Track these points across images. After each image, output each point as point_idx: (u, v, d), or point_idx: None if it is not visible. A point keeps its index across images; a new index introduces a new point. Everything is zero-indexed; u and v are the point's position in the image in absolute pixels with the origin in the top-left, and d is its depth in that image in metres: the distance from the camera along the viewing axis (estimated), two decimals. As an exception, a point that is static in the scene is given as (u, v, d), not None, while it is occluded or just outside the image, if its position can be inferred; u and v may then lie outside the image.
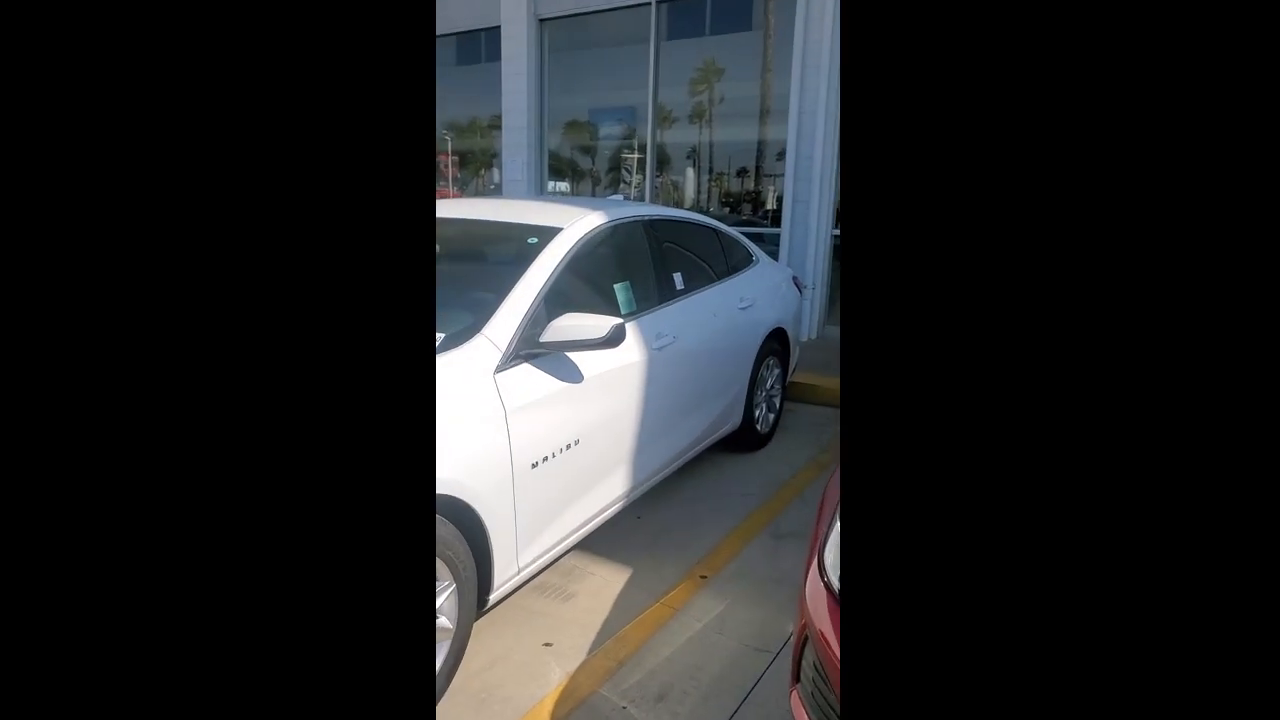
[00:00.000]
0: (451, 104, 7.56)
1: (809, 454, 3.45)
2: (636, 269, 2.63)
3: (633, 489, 2.44)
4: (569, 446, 2.05)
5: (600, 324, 1.98)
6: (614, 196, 6.35)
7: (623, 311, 2.40)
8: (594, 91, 6.61)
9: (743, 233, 3.70)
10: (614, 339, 1.99)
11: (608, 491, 2.29)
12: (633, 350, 2.34)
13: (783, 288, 3.68)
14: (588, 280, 2.39)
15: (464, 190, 7.86)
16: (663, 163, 6.52)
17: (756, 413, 3.43)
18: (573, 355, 2.08)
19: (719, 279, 3.14)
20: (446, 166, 7.97)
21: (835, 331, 5.67)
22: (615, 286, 2.42)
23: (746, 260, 3.50)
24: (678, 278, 2.77)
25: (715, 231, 3.31)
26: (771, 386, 3.57)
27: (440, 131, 7.82)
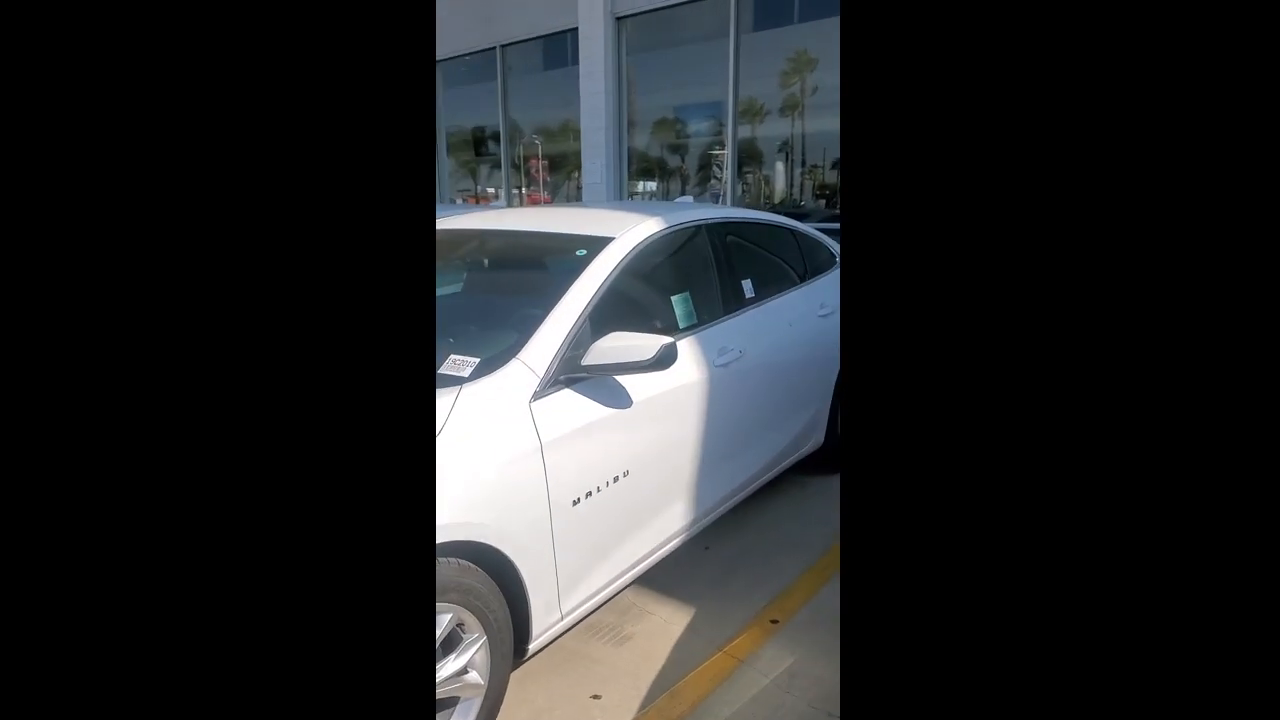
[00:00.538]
0: (540, 108, 7.55)
1: (902, 475, 3.10)
2: (698, 278, 2.39)
3: (694, 522, 2.21)
4: (617, 479, 1.85)
5: (648, 344, 1.76)
6: (683, 199, 6.11)
7: (681, 326, 2.18)
8: (673, 89, 6.40)
9: (832, 229, 3.38)
10: (664, 360, 1.76)
11: (664, 526, 2.07)
12: (691, 369, 2.11)
13: (871, 290, 3.33)
14: (642, 293, 2.18)
15: (554, 195, 7.85)
16: (752, 157, 6.26)
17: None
18: (621, 379, 1.88)
19: (796, 284, 2.85)
20: (538, 171, 8.01)
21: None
22: (673, 299, 2.19)
23: (829, 262, 3.18)
24: (747, 285, 2.51)
25: (792, 232, 3.01)
26: (859, 399, 3.23)
27: (530, 136, 7.87)
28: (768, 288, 2.65)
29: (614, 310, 2.00)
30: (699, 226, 2.45)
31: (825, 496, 2.90)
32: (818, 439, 2.92)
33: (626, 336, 1.80)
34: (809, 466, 2.98)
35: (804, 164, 6.05)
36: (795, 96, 5.87)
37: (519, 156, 8.15)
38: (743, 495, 2.47)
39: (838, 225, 5.83)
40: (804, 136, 5.99)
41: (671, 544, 2.14)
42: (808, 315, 2.80)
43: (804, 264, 2.98)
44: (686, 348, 2.12)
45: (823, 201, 6.01)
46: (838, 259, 3.24)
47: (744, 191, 6.30)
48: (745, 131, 6.14)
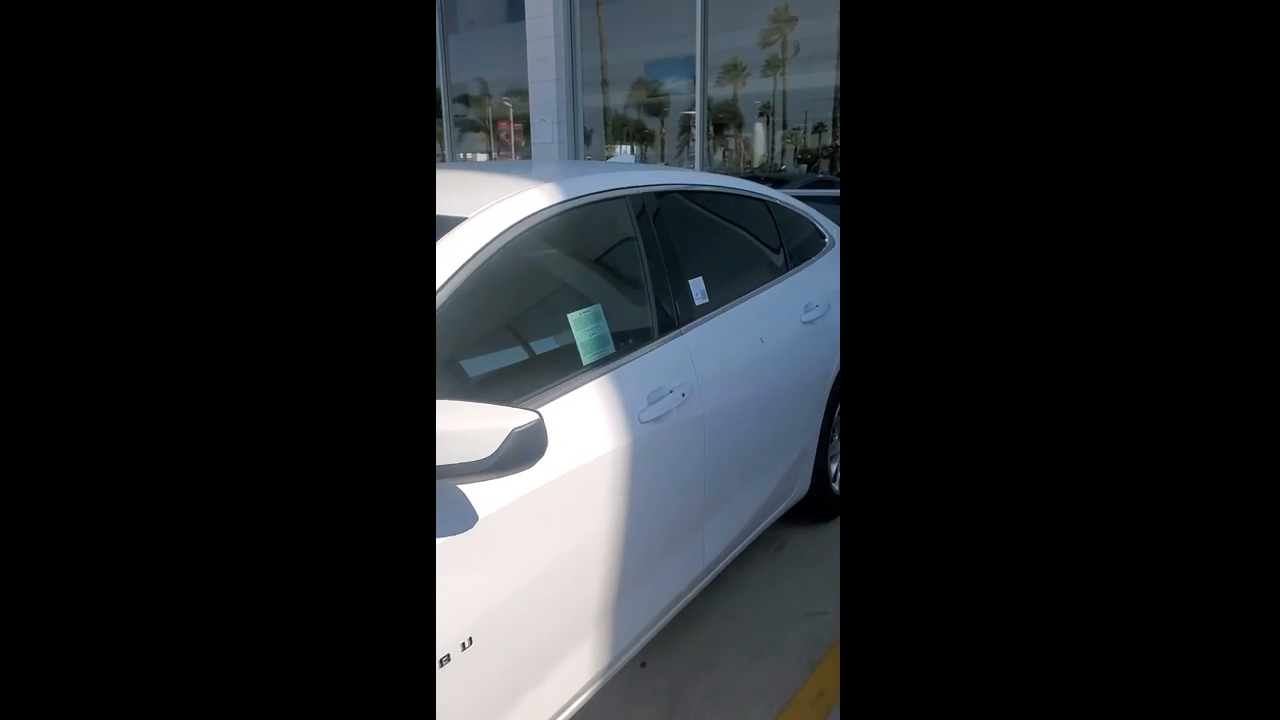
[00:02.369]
0: (510, 65, 6.57)
1: (912, 523, 2.30)
2: (619, 282, 1.54)
3: (608, 667, 1.39)
4: (449, 657, 1.02)
5: (489, 428, 0.92)
6: (622, 152, 5.20)
7: (587, 361, 1.33)
8: (645, 44, 5.46)
9: (817, 195, 2.53)
10: (520, 457, 0.93)
11: (549, 695, 1.26)
12: (594, 438, 1.28)
13: (871, 279, 2.49)
14: (516, 312, 1.33)
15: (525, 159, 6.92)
16: (731, 119, 5.49)
17: (834, 467, 2.29)
18: (454, 482, 1.04)
19: (772, 278, 2.00)
20: (508, 135, 7.09)
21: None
22: (572, 319, 1.34)
23: (816, 243, 2.32)
24: (696, 287, 1.66)
25: (766, 204, 2.15)
26: (855, 424, 2.41)
27: (501, 100, 6.94)
28: (730, 287, 1.80)
29: (463, 346, 1.15)
30: (622, 199, 1.57)
31: (810, 561, 2.10)
32: (801, 487, 2.11)
33: (455, 410, 0.95)
34: (791, 514, 2.17)
35: (785, 126, 5.36)
36: (777, 55, 5.07)
37: (488, 119, 7.22)
38: (698, 589, 1.66)
39: (824, 192, 5.08)
40: (785, 96, 5.19)
41: (578, 700, 1.33)
42: (788, 322, 1.95)
43: (783, 248, 2.13)
44: (588, 404, 1.28)
45: (804, 166, 5.34)
46: (828, 239, 2.39)
47: (724, 157, 5.57)
48: (725, 92, 5.31)
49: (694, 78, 5.13)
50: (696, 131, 5.30)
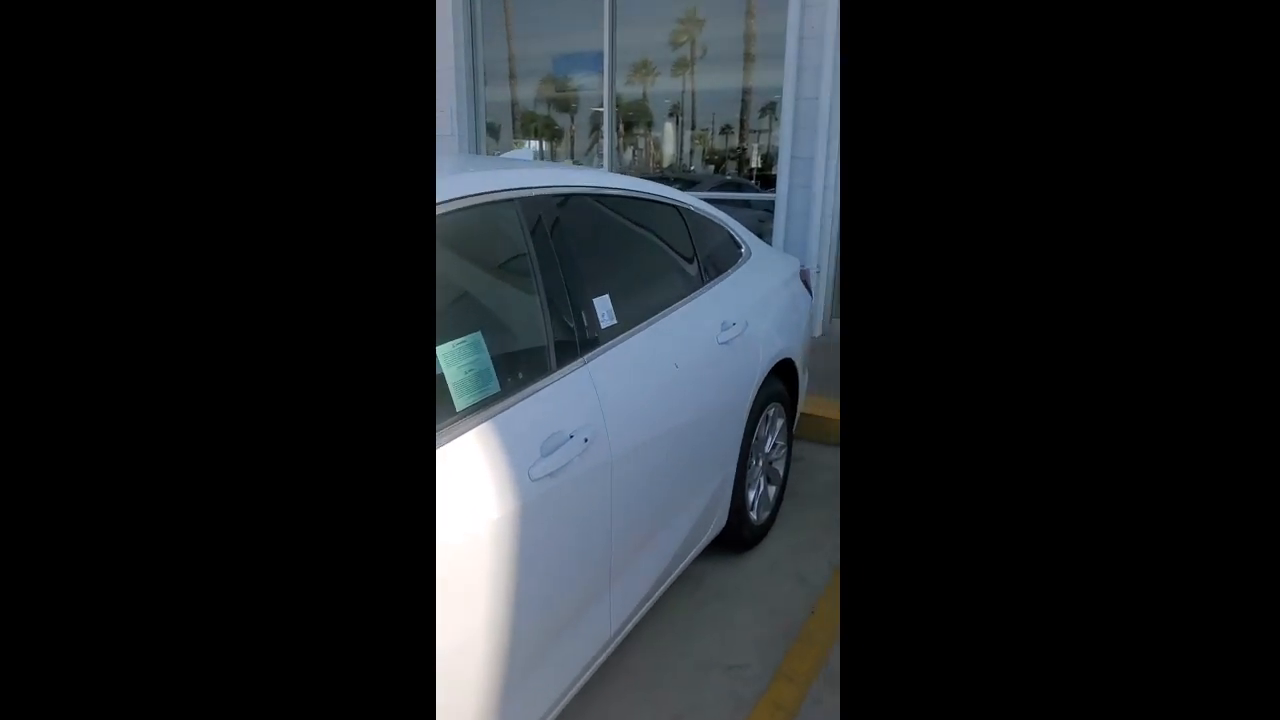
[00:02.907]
0: None
1: (836, 550, 2.15)
2: (505, 303, 1.27)
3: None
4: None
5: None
6: (516, 153, 4.92)
7: (460, 405, 1.06)
8: (552, 37, 5.17)
9: (728, 199, 2.35)
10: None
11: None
12: (473, 509, 1.01)
13: (786, 292, 2.33)
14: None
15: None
16: (639, 118, 5.30)
17: (751, 494, 2.12)
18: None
19: (687, 294, 1.79)
20: None
21: (847, 327, 4.33)
22: (441, 353, 1.06)
23: (732, 254, 2.14)
24: (603, 307, 1.42)
25: (679, 211, 1.93)
26: (774, 447, 2.24)
27: None
28: (640, 305, 1.58)
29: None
30: (512, 203, 1.30)
31: (729, 601, 1.91)
32: (720, 520, 1.91)
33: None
34: (707, 548, 1.97)
35: (694, 127, 5.25)
36: (685, 57, 4.95)
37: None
38: (598, 664, 1.42)
39: (733, 195, 4.99)
40: (694, 96, 5.07)
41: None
42: (704, 343, 1.75)
43: (697, 259, 1.92)
44: (462, 463, 1.01)
45: (712, 168, 5.25)
46: (744, 249, 2.21)
47: (634, 156, 5.39)
48: (635, 91, 5.13)
49: (603, 73, 4.91)
50: (605, 129, 5.07)
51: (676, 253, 1.85)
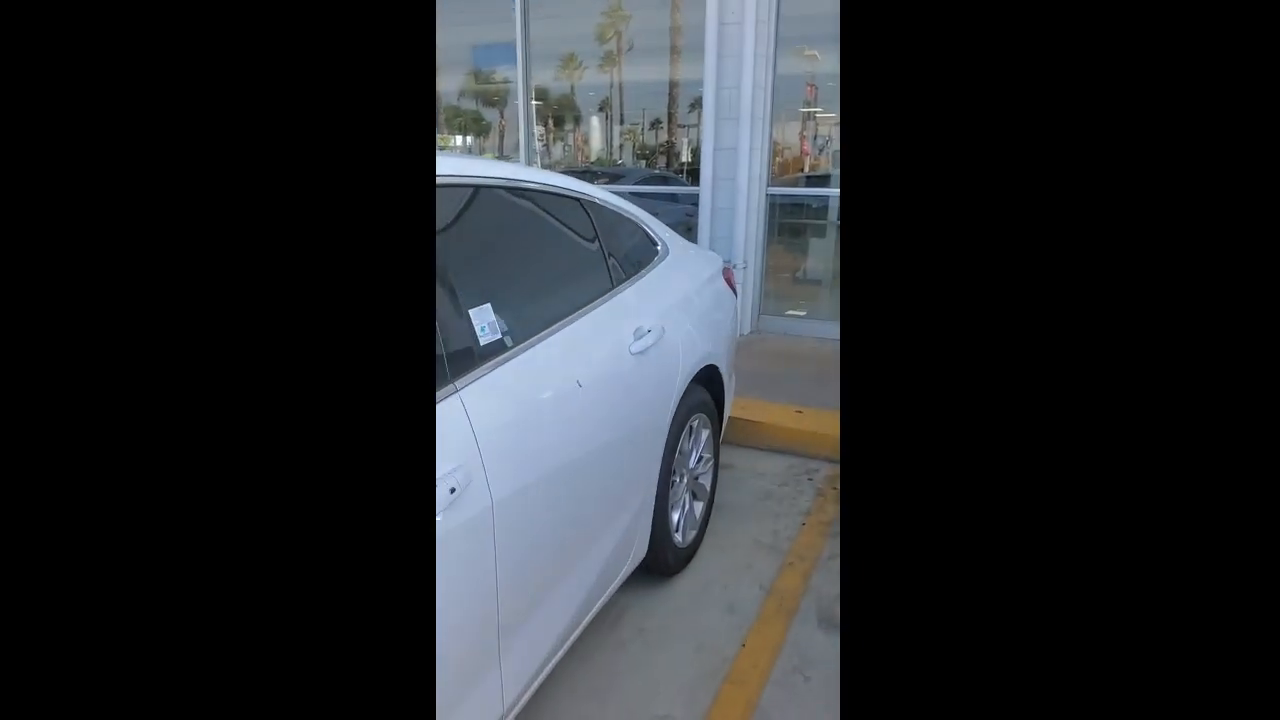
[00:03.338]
0: None
1: (767, 570, 1.99)
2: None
3: None
4: None
5: None
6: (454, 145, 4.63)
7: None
8: (458, 26, 4.85)
9: (654, 194, 2.14)
10: None
11: None
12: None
13: (708, 291, 2.14)
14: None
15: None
16: (566, 112, 5.14)
17: (676, 515, 1.93)
18: None
19: (591, 300, 1.57)
20: None
21: (774, 324, 4.21)
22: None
23: (648, 253, 1.94)
24: (481, 319, 1.18)
25: (583, 205, 1.71)
26: (698, 461, 2.06)
27: None
28: (532, 316, 1.35)
29: None
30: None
31: (650, 640, 1.71)
32: (640, 549, 1.71)
33: None
34: (631, 577, 1.77)
35: (623, 122, 5.09)
36: (613, 52, 4.78)
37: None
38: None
39: (660, 188, 4.81)
40: (622, 90, 4.93)
41: None
42: (614, 355, 1.53)
43: (605, 260, 1.71)
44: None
45: (644, 162, 5.13)
46: (660, 247, 2.01)
47: (564, 151, 5.23)
48: (563, 85, 4.92)
49: (516, 65, 4.64)
50: (521, 122, 4.80)
51: (580, 252, 1.63)
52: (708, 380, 2.02)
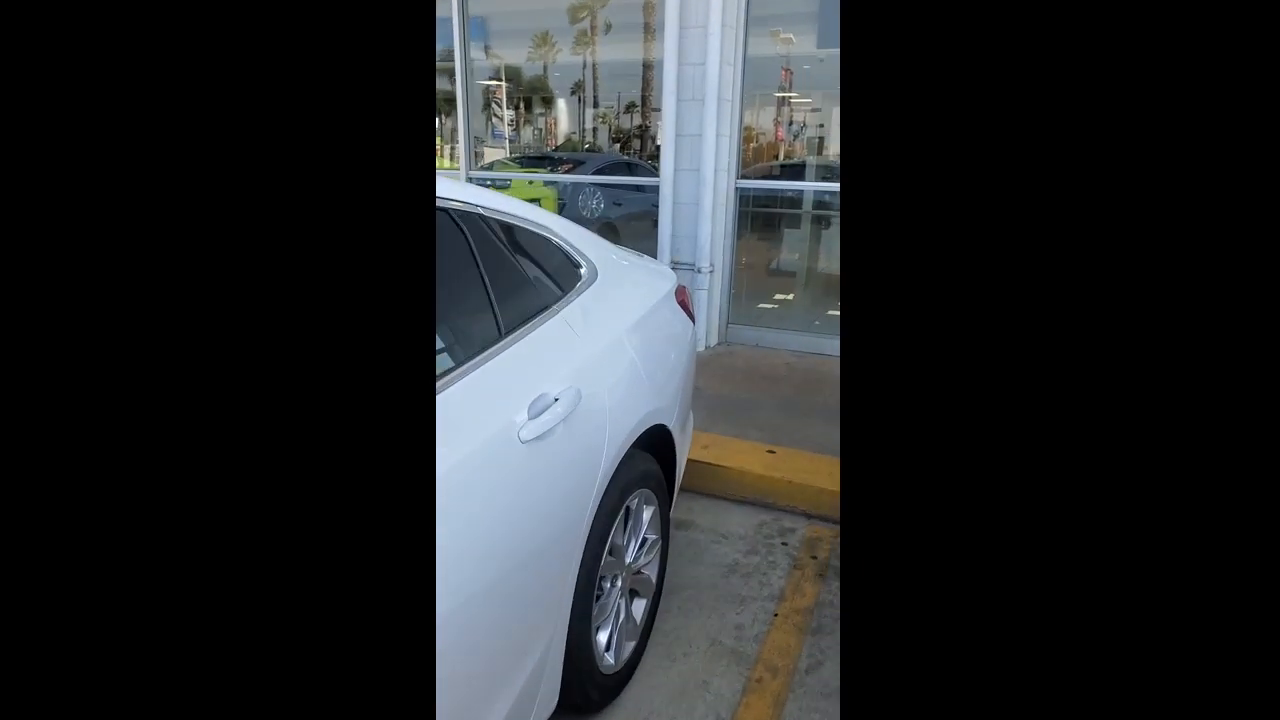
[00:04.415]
0: None
1: (728, 691, 1.51)
2: None
3: None
4: None
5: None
6: None
7: None
8: None
9: (613, 184, 1.65)
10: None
11: None
12: None
13: (656, 323, 1.64)
14: None
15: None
16: (537, 95, 4.79)
17: (604, 635, 1.44)
18: None
19: (464, 364, 1.06)
20: None
21: (744, 335, 3.73)
22: None
23: (566, 278, 1.43)
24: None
25: (454, 221, 1.19)
26: (640, 549, 1.57)
27: None
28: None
29: None
30: None
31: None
32: (548, 698, 1.22)
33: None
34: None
35: (597, 105, 4.70)
36: (585, 32, 4.32)
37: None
38: None
39: (623, 179, 4.32)
40: (596, 71, 4.52)
41: None
42: (490, 451, 1.03)
43: (493, 300, 1.19)
44: None
45: (618, 146, 4.74)
46: (585, 269, 1.50)
47: (534, 134, 4.88)
48: (535, 68, 4.48)
49: (453, 40, 4.09)
50: (459, 106, 4.25)
51: (450, 293, 1.12)
52: (654, 441, 1.53)
